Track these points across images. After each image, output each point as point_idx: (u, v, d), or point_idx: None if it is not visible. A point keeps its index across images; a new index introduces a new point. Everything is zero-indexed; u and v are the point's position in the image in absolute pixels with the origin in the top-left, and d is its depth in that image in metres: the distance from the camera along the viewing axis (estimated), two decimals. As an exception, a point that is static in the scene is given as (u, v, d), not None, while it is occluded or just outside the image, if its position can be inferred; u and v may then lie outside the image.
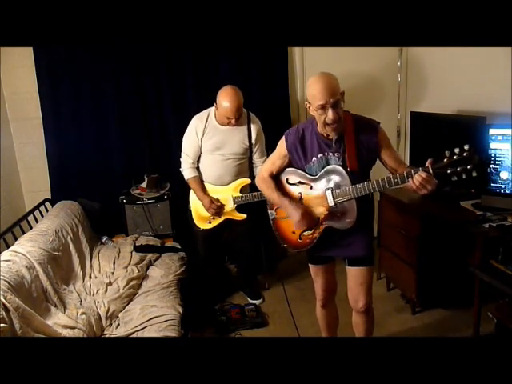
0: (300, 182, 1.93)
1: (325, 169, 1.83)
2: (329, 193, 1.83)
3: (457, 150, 1.57)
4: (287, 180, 1.97)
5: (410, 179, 1.63)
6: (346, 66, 3.33)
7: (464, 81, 2.90)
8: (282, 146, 1.94)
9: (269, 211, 2.08)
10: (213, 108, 2.68)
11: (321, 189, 1.86)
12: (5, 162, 2.99)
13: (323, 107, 1.69)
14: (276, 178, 1.99)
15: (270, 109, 3.33)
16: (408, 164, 1.90)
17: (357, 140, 1.79)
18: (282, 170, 1.98)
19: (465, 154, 1.56)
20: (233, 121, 2.57)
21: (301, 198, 1.93)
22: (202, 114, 2.71)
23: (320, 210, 1.88)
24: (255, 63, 3.28)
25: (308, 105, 1.77)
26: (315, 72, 1.75)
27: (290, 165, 1.96)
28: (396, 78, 3.52)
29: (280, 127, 2.90)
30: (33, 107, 3.13)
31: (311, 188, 1.90)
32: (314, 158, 1.85)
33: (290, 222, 1.95)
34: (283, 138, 1.93)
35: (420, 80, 3.39)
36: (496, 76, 2.59)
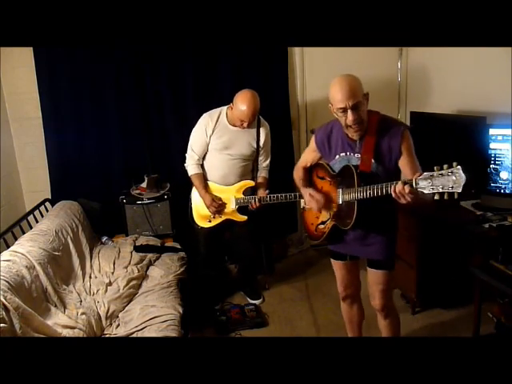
0: (324, 177, 2.00)
1: (342, 167, 1.87)
2: (339, 191, 1.87)
3: (445, 166, 1.47)
4: (317, 173, 2.05)
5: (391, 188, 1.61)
6: (346, 66, 3.29)
7: (464, 81, 2.90)
8: (312, 141, 2.00)
9: (301, 201, 2.19)
10: (225, 107, 2.67)
11: (336, 186, 1.90)
12: (5, 162, 2.99)
13: (344, 110, 1.72)
14: (311, 169, 2.09)
15: (269, 109, 3.32)
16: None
17: (378, 142, 1.78)
18: (315, 163, 2.05)
19: (450, 171, 1.45)
20: (245, 124, 2.57)
21: (322, 191, 2.01)
22: (214, 112, 2.69)
23: (332, 206, 1.94)
24: (255, 63, 3.27)
25: (331, 106, 1.78)
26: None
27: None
28: (396, 78, 3.52)
29: (280, 127, 2.92)
30: (33, 107, 3.12)
31: (330, 184, 1.96)
32: (337, 156, 1.89)
33: (311, 212, 2.06)
34: (315, 133, 1.99)
35: (420, 80, 3.39)
36: (496, 76, 2.59)
